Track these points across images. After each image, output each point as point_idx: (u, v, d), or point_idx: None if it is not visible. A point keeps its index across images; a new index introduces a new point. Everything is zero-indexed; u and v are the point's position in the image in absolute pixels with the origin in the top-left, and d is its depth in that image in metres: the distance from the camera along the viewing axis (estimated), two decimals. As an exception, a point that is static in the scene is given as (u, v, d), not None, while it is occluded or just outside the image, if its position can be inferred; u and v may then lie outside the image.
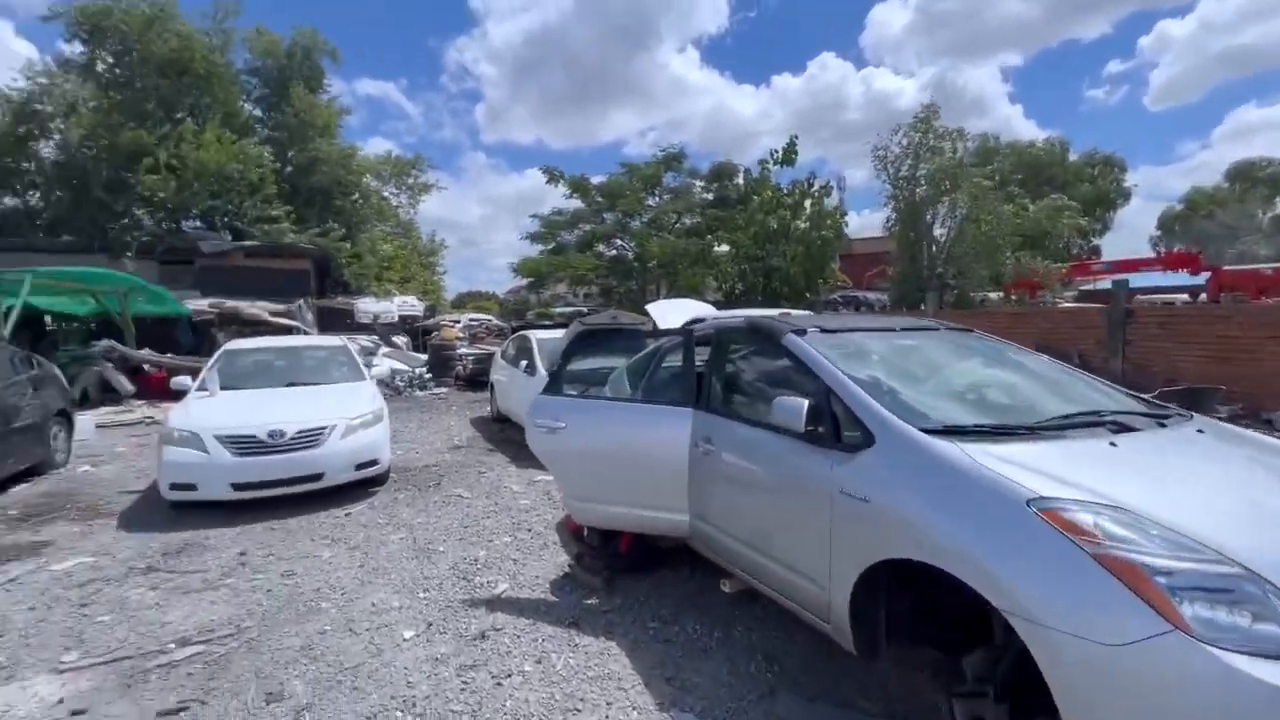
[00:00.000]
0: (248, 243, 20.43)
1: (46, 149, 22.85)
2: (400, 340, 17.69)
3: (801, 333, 3.04)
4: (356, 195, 27.38)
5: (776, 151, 18.98)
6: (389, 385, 12.97)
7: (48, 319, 15.09)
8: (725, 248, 21.44)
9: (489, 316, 22.84)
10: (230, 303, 15.62)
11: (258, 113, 26.69)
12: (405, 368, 14.00)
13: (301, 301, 17.13)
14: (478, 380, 13.64)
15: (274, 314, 15.65)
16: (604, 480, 3.69)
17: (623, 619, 3.44)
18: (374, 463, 5.88)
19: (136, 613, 3.64)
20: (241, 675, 2.99)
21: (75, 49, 22.97)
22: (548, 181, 22.11)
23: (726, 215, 20.75)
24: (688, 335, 3.69)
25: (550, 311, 23.69)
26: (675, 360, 3.93)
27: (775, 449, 2.78)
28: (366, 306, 19.40)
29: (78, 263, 14.50)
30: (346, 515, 5.33)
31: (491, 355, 13.10)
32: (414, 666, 3.04)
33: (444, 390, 13.72)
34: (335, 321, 17.88)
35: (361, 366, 7.36)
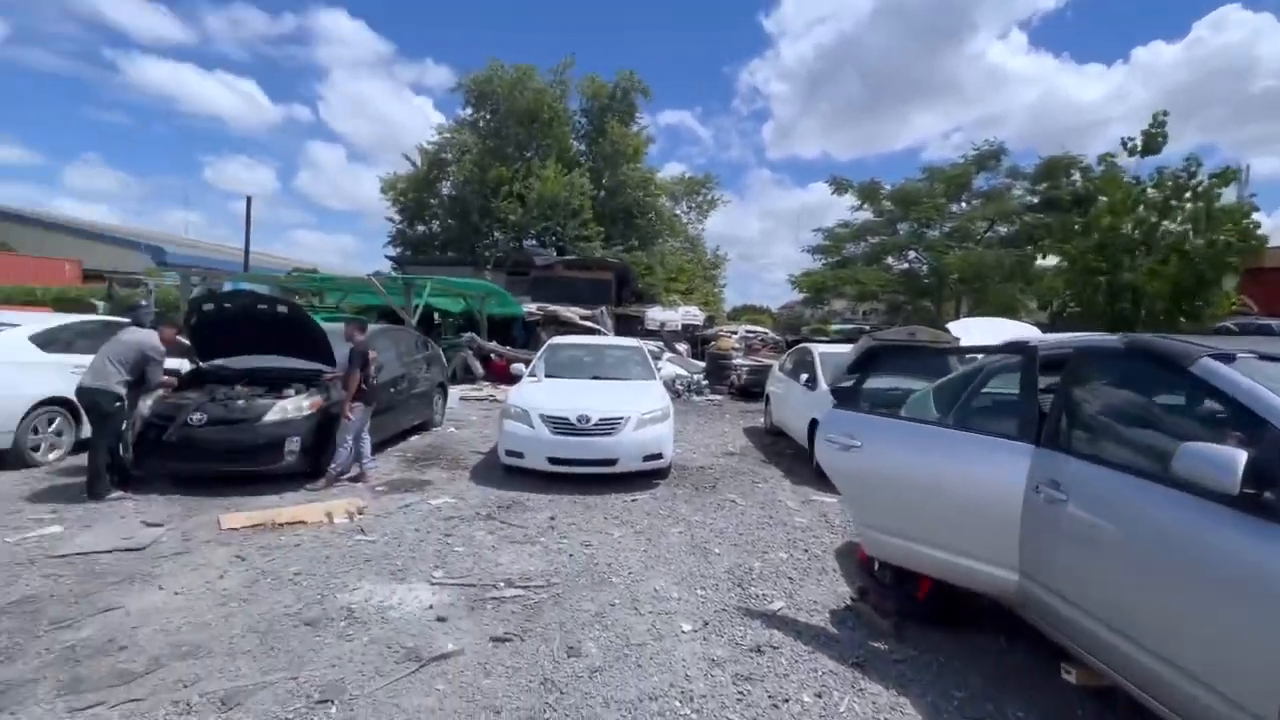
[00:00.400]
0: (567, 257, 24.21)
1: (444, 188, 30.57)
2: (681, 347, 18.89)
3: (1227, 359, 2.21)
4: (652, 213, 30.35)
5: (1132, 138, 14.93)
6: (669, 388, 13.88)
7: (435, 315, 20.01)
8: (1052, 259, 17.80)
9: (765, 329, 22.95)
10: (551, 307, 18.66)
11: (581, 146, 31.53)
12: (685, 373, 14.86)
13: (603, 308, 19.53)
14: (751, 391, 13.78)
15: (582, 318, 18.18)
16: (905, 512, 3.26)
17: (919, 676, 2.98)
18: (659, 456, 6.29)
19: (479, 550, 4.45)
20: (549, 625, 3.40)
21: (468, 112, 30.29)
22: (834, 192, 21.30)
23: (1057, 220, 17.21)
24: (1029, 355, 3.03)
25: (827, 328, 22.78)
26: (1006, 384, 3.29)
27: (1177, 512, 2.06)
28: (655, 314, 21.23)
29: (456, 274, 19.00)
30: (633, 501, 5.79)
31: (766, 367, 13.09)
32: (691, 661, 3.07)
33: (718, 398, 14.16)
34: (627, 327, 19.96)
35: (653, 367, 7.99)
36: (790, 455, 8.04)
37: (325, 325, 6.66)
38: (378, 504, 5.44)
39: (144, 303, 15.46)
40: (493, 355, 15.14)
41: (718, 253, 36.95)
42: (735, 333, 20.51)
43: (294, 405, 5.86)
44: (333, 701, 2.62)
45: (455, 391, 11.46)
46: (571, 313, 18.02)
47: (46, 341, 6.47)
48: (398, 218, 30.55)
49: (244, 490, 5.53)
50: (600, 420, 6.09)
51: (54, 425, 6.35)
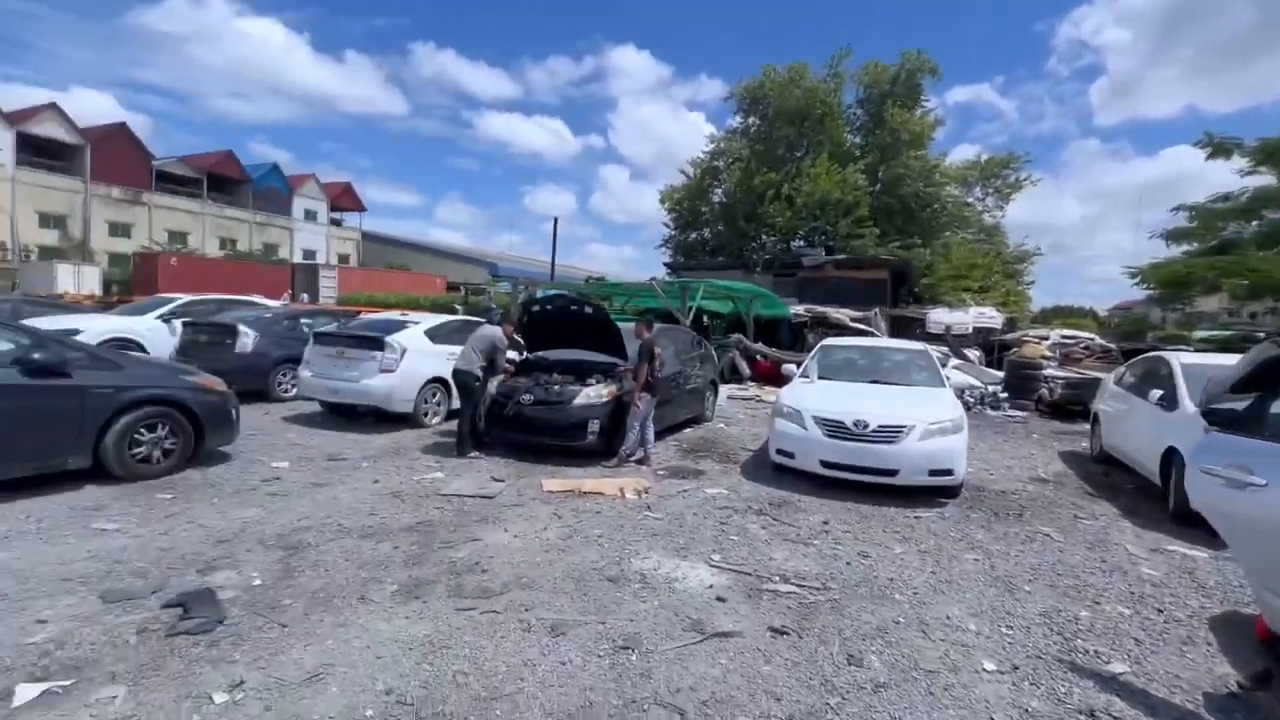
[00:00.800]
0: (836, 256, 23.19)
1: (715, 195, 31.97)
2: (972, 354, 16.55)
3: None
4: (936, 204, 27.25)
5: None
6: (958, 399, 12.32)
7: (704, 317, 21.08)
8: None
9: (1088, 335, 18.68)
10: (820, 308, 18.08)
11: (856, 139, 29.85)
12: (977, 383, 12.97)
13: (877, 309, 18.20)
14: (1067, 408, 11.46)
15: (853, 319, 17.22)
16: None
17: (1369, 815, 2.12)
18: (949, 472, 5.63)
19: (753, 543, 4.56)
20: (827, 628, 3.32)
21: (738, 119, 31.22)
22: (1209, 155, 16.22)
23: None
24: None
25: (1189, 334, 17.60)
26: None
27: None
28: (938, 316, 19.02)
29: (725, 278, 19.70)
30: (916, 518, 5.29)
31: (1092, 380, 10.73)
32: (997, 705, 2.69)
33: (1020, 414, 12.04)
34: (905, 329, 18.25)
35: (942, 373, 7.19)
36: (1131, 490, 6.45)
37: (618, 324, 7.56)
38: (659, 486, 5.96)
39: (493, 305, 19.53)
40: (759, 356, 15.33)
41: (1024, 245, 31.40)
42: (1046, 338, 17.16)
43: (595, 392, 6.79)
44: (633, 650, 2.98)
45: (723, 390, 11.90)
46: (841, 314, 17.23)
47: (433, 335, 8.63)
48: (672, 226, 32.98)
49: (557, 461, 6.60)
50: (880, 427, 5.70)
51: (436, 398, 8.45)
